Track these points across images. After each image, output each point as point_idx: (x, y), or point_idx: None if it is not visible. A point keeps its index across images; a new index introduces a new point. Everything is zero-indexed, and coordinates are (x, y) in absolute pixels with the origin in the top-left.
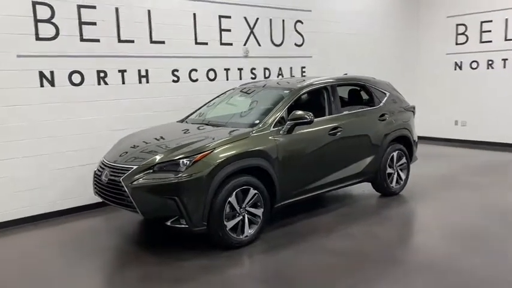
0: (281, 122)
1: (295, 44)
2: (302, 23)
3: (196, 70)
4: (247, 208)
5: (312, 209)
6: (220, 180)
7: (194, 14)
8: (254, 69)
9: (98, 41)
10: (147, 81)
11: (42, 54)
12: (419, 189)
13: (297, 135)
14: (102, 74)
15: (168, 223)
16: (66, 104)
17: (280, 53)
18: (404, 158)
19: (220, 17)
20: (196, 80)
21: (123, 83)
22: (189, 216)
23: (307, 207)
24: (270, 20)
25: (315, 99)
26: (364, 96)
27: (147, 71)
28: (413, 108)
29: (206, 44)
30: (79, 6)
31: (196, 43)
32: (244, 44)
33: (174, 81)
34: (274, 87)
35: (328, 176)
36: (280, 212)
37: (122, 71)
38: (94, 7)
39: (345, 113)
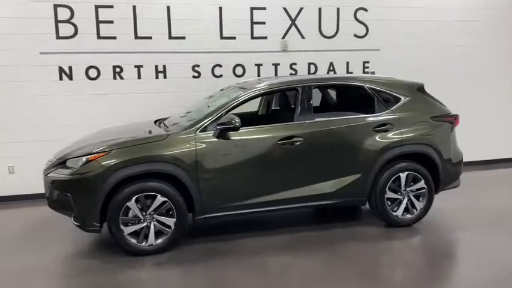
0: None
1: (356, 35)
2: (366, 10)
3: (220, 66)
4: (155, 216)
5: (271, 226)
6: (114, 182)
7: (220, 8)
8: (294, 64)
9: (114, 38)
10: (165, 77)
11: (62, 51)
12: (446, 224)
13: (230, 142)
14: (117, 69)
15: (71, 219)
16: (82, 96)
17: (332, 45)
18: (422, 182)
19: (252, 9)
20: (220, 76)
21: (139, 77)
22: (80, 215)
23: (263, 223)
24: (319, 9)
25: (279, 103)
26: (364, 100)
27: (164, 66)
28: (454, 118)
29: (234, 38)
30: (97, 7)
31: (222, 38)
32: (283, 37)
33: (194, 76)
34: (239, 88)
35: (278, 192)
36: (221, 227)
37: (138, 67)
38: (111, 6)
39: (316, 120)
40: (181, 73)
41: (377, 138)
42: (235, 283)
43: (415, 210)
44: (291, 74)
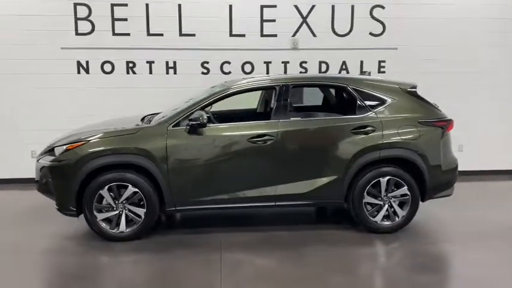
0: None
1: (371, 34)
2: (383, 7)
3: (229, 63)
4: (127, 205)
5: (250, 223)
6: (88, 170)
7: (230, 6)
8: (304, 62)
9: (128, 35)
10: (175, 72)
11: (80, 46)
12: (429, 233)
13: (201, 137)
14: (131, 65)
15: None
16: (97, 90)
17: (345, 44)
18: (405, 188)
19: (262, 6)
20: (229, 73)
21: (151, 73)
22: (58, 199)
23: (245, 219)
24: (333, 6)
25: (259, 101)
26: (346, 101)
27: (175, 62)
28: (447, 123)
29: (243, 36)
30: (112, 5)
31: (231, 35)
32: (293, 35)
33: (203, 73)
34: (220, 86)
35: (247, 190)
36: (202, 220)
37: (150, 62)
38: (126, 5)
39: (291, 119)
40: (191, 69)
41: (354, 140)
42: (179, 276)
43: (396, 218)
44: (300, 72)
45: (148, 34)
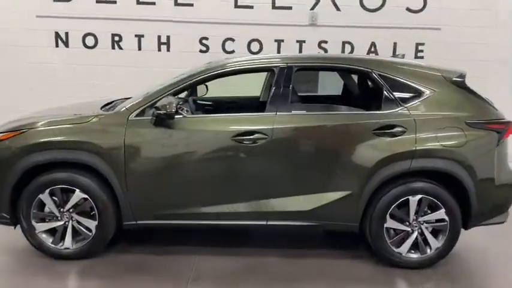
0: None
1: (408, 9)
2: None
3: (232, 40)
4: (74, 215)
5: (235, 243)
6: (24, 168)
7: None
8: (324, 42)
9: (114, 2)
10: (168, 49)
11: (58, 15)
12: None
13: (171, 132)
14: (116, 38)
15: None
16: (78, 67)
17: (376, 21)
18: (442, 211)
19: None
20: (232, 52)
21: (140, 49)
22: None
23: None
24: None
25: (263, 87)
26: (370, 91)
27: (168, 37)
28: (505, 126)
29: (251, 7)
30: None
31: (237, 6)
32: (312, 8)
33: (201, 51)
34: (202, 67)
35: (230, 203)
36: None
37: (139, 36)
38: None
39: (293, 113)
40: (187, 46)
41: (377, 144)
42: None
43: (428, 249)
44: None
45: (138, 2)
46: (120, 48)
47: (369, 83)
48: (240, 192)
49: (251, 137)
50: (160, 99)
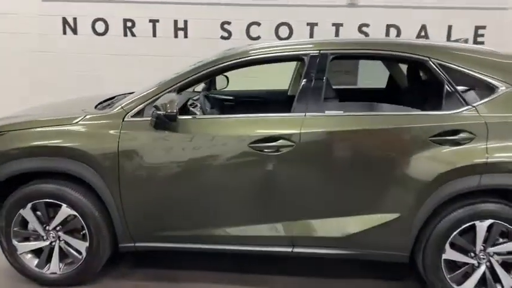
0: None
1: None
2: None
3: (258, 24)
4: (61, 234)
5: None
6: (2, 179)
7: None
8: (365, 26)
9: None
10: (186, 36)
11: None
12: None
13: (174, 137)
14: (129, 24)
15: None
16: (87, 56)
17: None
18: None
19: None
20: (258, 38)
21: (154, 35)
22: None
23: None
24: None
25: (292, 78)
26: (426, 86)
27: (185, 22)
28: None
29: None
30: None
31: None
32: None
33: (223, 37)
34: (217, 55)
35: (249, 225)
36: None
37: (154, 21)
38: None
39: (326, 114)
40: (207, 32)
41: (435, 155)
42: None
43: None
44: None
45: None
46: (133, 35)
47: (424, 75)
48: (259, 212)
49: (273, 144)
50: (163, 95)
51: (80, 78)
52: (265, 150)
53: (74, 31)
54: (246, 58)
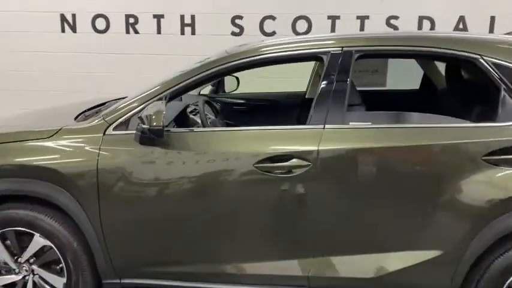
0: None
1: None
2: None
3: (273, 18)
4: (35, 267)
5: None
6: None
7: None
8: (394, 18)
9: None
10: (193, 32)
11: None
12: None
13: (163, 154)
14: (131, 20)
15: None
16: (87, 55)
17: None
18: None
19: None
20: (273, 34)
21: (159, 32)
22: None
23: None
24: None
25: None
26: (475, 92)
27: (193, 17)
28: None
29: None
30: None
31: None
32: None
33: (234, 33)
34: (218, 55)
35: (255, 262)
36: None
37: (158, 17)
38: None
39: (351, 126)
40: (216, 28)
41: (490, 178)
42: None
43: None
44: None
45: None
46: (136, 32)
47: (472, 77)
48: (267, 246)
49: (284, 164)
50: (151, 104)
51: (79, 80)
52: (274, 171)
53: (73, 29)
54: (251, 58)
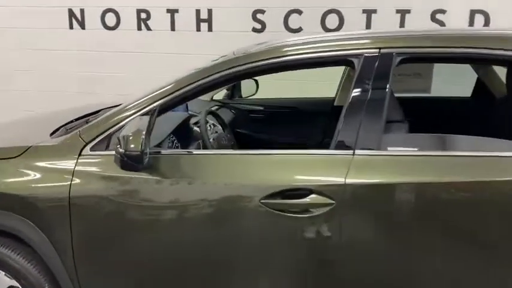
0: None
1: None
2: None
3: (299, 12)
4: None
5: None
6: None
7: None
8: (441, 12)
9: None
10: (210, 29)
11: None
12: None
13: (146, 182)
14: (143, 15)
15: None
16: (96, 54)
17: None
18: None
19: None
20: (299, 30)
21: (173, 29)
22: None
23: None
24: None
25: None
26: None
27: (210, 12)
28: None
29: None
30: None
31: None
32: None
33: (255, 29)
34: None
35: None
36: None
37: (172, 11)
38: None
39: (389, 152)
40: (235, 24)
41: None
42: None
43: None
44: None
45: None
46: (148, 28)
47: None
48: None
49: (300, 201)
50: (134, 119)
51: (87, 80)
52: (287, 210)
53: (82, 25)
54: (256, 64)
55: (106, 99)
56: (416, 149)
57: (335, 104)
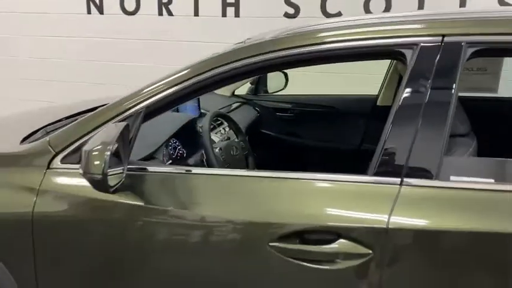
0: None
1: None
2: None
3: None
4: None
5: None
6: None
7: None
8: None
9: None
10: (237, 14)
11: None
12: None
13: (121, 207)
14: (165, 0)
15: None
16: (115, 41)
17: None
18: None
19: None
20: (338, 14)
21: (196, 14)
22: None
23: None
24: None
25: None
26: None
27: None
28: None
29: None
30: None
31: None
32: None
33: (288, 15)
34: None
35: None
36: None
37: None
38: None
39: (455, 182)
40: (265, 9)
41: None
42: None
43: None
44: None
45: None
46: (170, 13)
47: None
48: None
49: (323, 247)
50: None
51: (105, 70)
52: (306, 259)
53: (100, 10)
54: (266, 56)
55: (119, 91)
56: (492, 181)
57: (378, 103)
